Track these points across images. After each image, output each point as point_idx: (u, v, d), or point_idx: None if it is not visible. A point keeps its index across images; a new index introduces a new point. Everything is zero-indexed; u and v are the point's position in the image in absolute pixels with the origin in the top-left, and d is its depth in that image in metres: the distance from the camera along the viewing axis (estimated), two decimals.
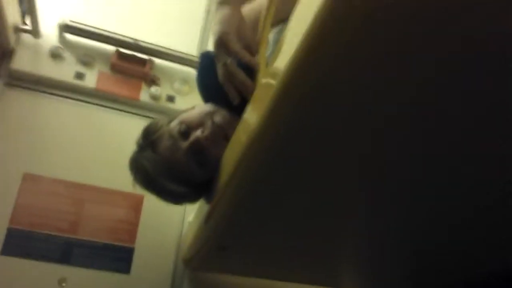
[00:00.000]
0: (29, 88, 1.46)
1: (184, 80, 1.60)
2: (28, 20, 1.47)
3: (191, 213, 1.40)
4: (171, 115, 1.00)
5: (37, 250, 1.28)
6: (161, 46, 1.58)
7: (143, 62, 1.55)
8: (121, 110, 1.54)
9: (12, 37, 1.42)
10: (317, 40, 0.46)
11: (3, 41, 1.40)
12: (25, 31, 1.47)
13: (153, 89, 1.54)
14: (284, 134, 0.59)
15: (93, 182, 1.41)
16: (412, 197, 0.73)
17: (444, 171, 0.65)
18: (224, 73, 0.80)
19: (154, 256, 1.39)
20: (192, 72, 1.63)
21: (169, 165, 0.90)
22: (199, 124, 0.90)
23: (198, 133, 0.88)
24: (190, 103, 1.04)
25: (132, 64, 1.54)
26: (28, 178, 1.35)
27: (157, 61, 1.60)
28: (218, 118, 0.90)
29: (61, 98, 1.48)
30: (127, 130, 1.47)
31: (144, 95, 1.54)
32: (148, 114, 1.54)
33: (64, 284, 1.27)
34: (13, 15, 1.38)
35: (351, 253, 1.05)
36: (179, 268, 1.38)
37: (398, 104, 0.53)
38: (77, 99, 1.50)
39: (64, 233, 1.32)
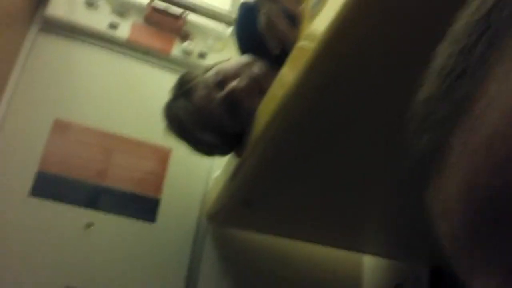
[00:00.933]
0: (62, 35, 1.46)
1: (217, 37, 1.58)
2: None
3: (217, 170, 1.41)
4: (207, 66, 0.99)
5: (66, 193, 1.31)
6: (196, 0, 1.55)
7: (177, 16, 1.53)
8: (152, 63, 1.53)
9: None
10: (357, 8, 0.46)
11: None
12: None
13: (186, 44, 1.53)
14: (318, 94, 0.59)
15: (122, 132, 1.42)
16: None
17: None
18: (266, 21, 0.78)
19: (179, 209, 1.40)
20: (226, 30, 1.61)
21: (202, 115, 0.90)
22: (236, 75, 0.89)
23: (234, 83, 0.87)
24: None
25: (167, 17, 1.52)
26: (59, 124, 1.37)
27: (192, 16, 1.57)
28: (255, 70, 0.89)
29: (94, 47, 1.48)
30: (157, 83, 1.48)
31: (176, 50, 1.53)
32: (179, 69, 1.53)
33: (92, 228, 1.30)
34: None
35: (376, 216, 1.05)
36: (202, 223, 1.40)
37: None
38: (110, 49, 1.49)
39: (92, 179, 1.35)
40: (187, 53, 1.53)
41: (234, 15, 1.56)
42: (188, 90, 0.92)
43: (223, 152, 1.02)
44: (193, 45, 1.54)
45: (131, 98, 1.47)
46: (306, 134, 0.71)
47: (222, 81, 0.89)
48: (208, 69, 0.96)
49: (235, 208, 1.10)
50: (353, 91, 0.58)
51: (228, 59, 0.98)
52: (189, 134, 0.93)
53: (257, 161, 0.83)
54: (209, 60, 1.53)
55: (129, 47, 1.51)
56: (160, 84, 1.47)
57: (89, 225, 1.29)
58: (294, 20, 0.76)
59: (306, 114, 0.65)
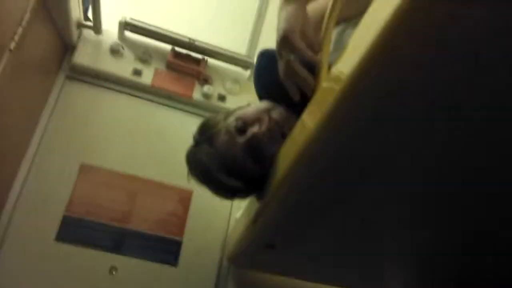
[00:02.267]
0: (88, 82, 1.52)
1: (236, 80, 1.63)
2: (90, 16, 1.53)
3: (237, 210, 1.42)
4: (227, 111, 1.01)
5: (90, 238, 1.33)
6: (215, 46, 1.61)
7: (197, 61, 1.59)
8: (174, 107, 1.58)
9: (75, 32, 1.49)
10: (386, 47, 0.45)
11: (67, 36, 1.47)
12: (87, 27, 1.53)
13: (206, 88, 1.57)
14: (341, 139, 0.58)
15: (145, 175, 1.46)
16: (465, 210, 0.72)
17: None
18: (286, 70, 0.81)
19: (200, 250, 1.42)
20: (243, 73, 1.66)
21: (225, 160, 0.91)
22: (256, 120, 0.91)
23: (255, 129, 0.89)
24: (240, 103, 1.06)
25: (187, 62, 1.58)
26: (85, 169, 1.41)
27: (210, 60, 1.63)
28: (275, 115, 0.90)
29: (118, 93, 1.54)
30: (180, 126, 1.53)
31: (196, 94, 1.58)
32: (199, 112, 1.58)
33: (114, 273, 1.31)
34: (76, 11, 1.43)
35: (398, 260, 1.03)
36: (224, 264, 1.40)
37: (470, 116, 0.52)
38: (134, 95, 1.55)
39: (117, 222, 1.37)
40: (207, 96, 1.57)
41: (250, 59, 1.61)
42: (210, 136, 0.94)
43: (244, 196, 1.03)
44: (213, 89, 1.58)
45: (154, 141, 1.51)
46: (328, 179, 0.70)
47: (243, 126, 0.91)
48: (228, 114, 0.98)
49: (257, 251, 1.10)
50: (379, 136, 0.57)
51: (248, 105, 1.01)
52: (213, 179, 0.94)
53: (278, 206, 0.83)
54: (228, 102, 1.57)
55: (152, 93, 1.56)
56: (182, 127, 1.51)
57: (112, 269, 1.31)
58: (313, 69, 0.78)
59: (328, 159, 0.64)
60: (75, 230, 1.33)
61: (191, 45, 1.58)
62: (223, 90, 1.62)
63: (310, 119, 0.66)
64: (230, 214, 1.48)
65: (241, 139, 0.90)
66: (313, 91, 0.77)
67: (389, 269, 1.12)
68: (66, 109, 1.47)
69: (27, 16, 1.15)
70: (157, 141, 1.51)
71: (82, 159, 1.42)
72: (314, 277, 1.29)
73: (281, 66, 0.82)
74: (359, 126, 0.55)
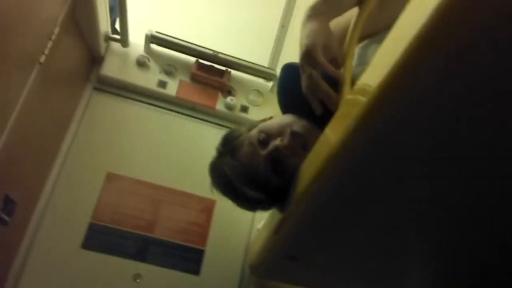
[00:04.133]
0: (115, 93, 1.57)
1: (258, 92, 1.65)
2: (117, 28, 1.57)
3: (259, 221, 1.43)
4: (250, 123, 1.03)
5: (116, 245, 1.36)
6: (238, 58, 1.63)
7: (221, 73, 1.62)
8: (198, 118, 1.61)
9: (102, 45, 1.53)
10: (416, 59, 0.45)
11: (95, 48, 1.51)
12: (115, 40, 1.57)
13: (229, 99, 1.60)
14: (366, 153, 0.57)
15: (169, 184, 1.49)
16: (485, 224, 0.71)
17: None
18: (308, 84, 0.82)
19: (223, 260, 1.43)
20: (266, 84, 1.68)
21: (247, 172, 0.92)
22: (278, 133, 0.92)
23: (277, 141, 0.90)
24: (263, 114, 1.07)
25: (211, 74, 1.61)
26: (111, 178, 1.44)
27: (233, 72, 1.66)
28: (297, 128, 0.91)
29: (144, 104, 1.58)
30: (203, 137, 1.55)
31: (220, 105, 1.61)
32: (222, 123, 1.60)
33: (138, 280, 1.33)
34: (104, 24, 1.48)
35: (420, 275, 1.02)
36: (246, 274, 1.41)
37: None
38: (159, 106, 1.59)
39: (141, 230, 1.40)
40: (230, 107, 1.60)
41: (273, 70, 1.63)
42: (233, 148, 0.96)
43: (265, 208, 1.03)
44: (236, 100, 1.61)
45: (178, 151, 1.54)
46: (350, 194, 0.70)
47: (266, 139, 0.92)
48: (251, 126, 0.99)
49: (278, 261, 1.10)
50: (404, 149, 0.55)
51: (271, 117, 1.02)
52: (235, 190, 0.95)
53: (300, 218, 0.83)
54: (250, 114, 1.59)
55: (176, 104, 1.60)
56: (205, 137, 1.54)
57: (136, 277, 1.33)
58: (335, 84, 0.79)
59: (350, 173, 0.64)
60: (101, 238, 1.36)
61: (214, 57, 1.61)
62: (246, 101, 1.64)
63: (333, 132, 0.66)
64: (252, 224, 1.49)
65: (263, 152, 0.91)
66: (335, 105, 0.78)
67: (415, 283, 1.10)
68: (93, 120, 1.51)
69: (56, 29, 1.19)
70: (181, 151, 1.54)
71: (108, 168, 1.45)
72: None
73: (303, 80, 0.84)
74: (384, 139, 0.54)
